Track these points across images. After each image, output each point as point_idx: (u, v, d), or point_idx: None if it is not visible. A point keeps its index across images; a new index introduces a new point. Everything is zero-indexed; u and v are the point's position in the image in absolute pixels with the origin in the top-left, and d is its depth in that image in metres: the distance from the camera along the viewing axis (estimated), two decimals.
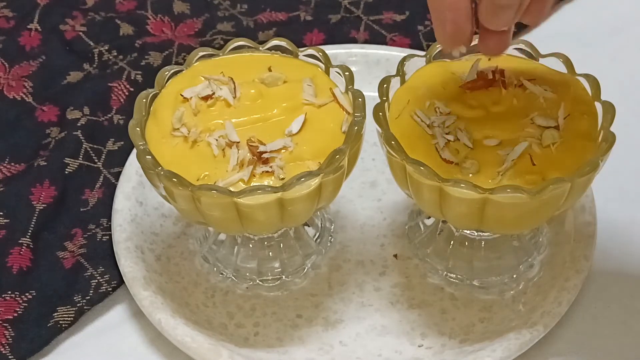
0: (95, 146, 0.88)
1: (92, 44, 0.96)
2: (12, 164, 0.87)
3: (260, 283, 0.79)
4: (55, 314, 0.77)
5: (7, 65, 0.95)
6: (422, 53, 0.76)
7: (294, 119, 0.71)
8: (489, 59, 0.74)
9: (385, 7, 1.00)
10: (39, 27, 0.97)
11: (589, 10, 1.00)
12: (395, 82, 0.74)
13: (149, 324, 0.76)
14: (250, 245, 0.79)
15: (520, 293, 0.78)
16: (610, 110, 0.71)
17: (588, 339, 0.76)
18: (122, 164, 0.85)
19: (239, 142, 0.70)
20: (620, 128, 0.70)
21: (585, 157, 0.69)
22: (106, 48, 0.96)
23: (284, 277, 0.79)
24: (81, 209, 0.84)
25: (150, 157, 0.70)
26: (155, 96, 0.74)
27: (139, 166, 0.72)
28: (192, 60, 0.76)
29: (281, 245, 0.79)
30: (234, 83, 0.73)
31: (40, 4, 0.99)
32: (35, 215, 0.83)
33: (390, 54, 0.92)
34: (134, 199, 0.82)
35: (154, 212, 0.83)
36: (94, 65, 0.95)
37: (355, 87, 0.73)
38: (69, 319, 0.77)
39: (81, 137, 0.88)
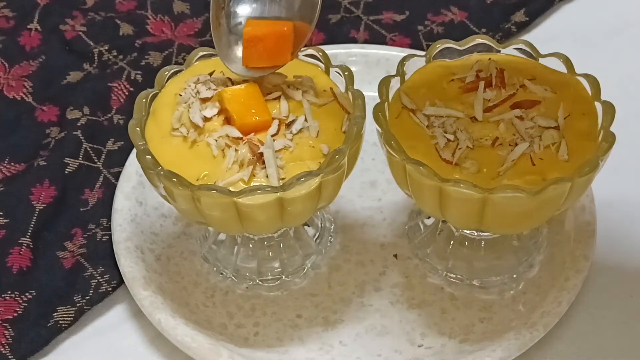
0: (95, 146, 0.88)
1: (92, 43, 0.96)
2: (12, 164, 0.87)
3: (260, 283, 0.79)
4: (55, 314, 0.77)
5: (7, 65, 0.95)
6: (422, 53, 0.76)
7: (294, 119, 0.71)
8: (489, 59, 0.74)
9: (385, 7, 1.00)
10: (39, 27, 0.97)
11: (589, 10, 1.00)
12: (395, 82, 0.74)
13: (149, 324, 0.76)
14: (250, 245, 0.79)
15: (520, 293, 0.78)
16: (610, 110, 0.71)
17: (588, 339, 0.76)
18: (122, 163, 0.85)
19: (242, 138, 0.70)
20: (620, 128, 0.70)
21: (585, 157, 0.69)
22: (106, 48, 0.96)
23: (284, 277, 0.79)
24: (81, 209, 0.84)
25: (150, 157, 0.70)
26: (155, 96, 0.74)
27: (139, 166, 0.72)
28: (192, 60, 0.76)
29: (281, 245, 0.79)
30: (232, 83, 0.73)
31: (40, 4, 0.99)
32: (35, 215, 0.83)
33: (390, 54, 0.92)
34: (134, 199, 0.82)
35: (154, 212, 0.83)
36: (94, 65, 0.95)
37: (355, 87, 0.73)
38: (69, 319, 0.77)
39: (81, 137, 0.88)
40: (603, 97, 0.72)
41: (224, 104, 0.70)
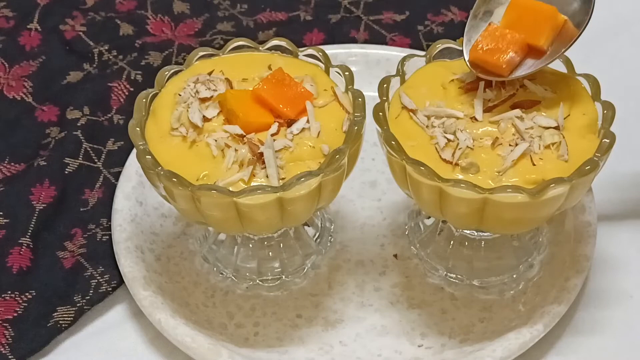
0: (95, 146, 0.88)
1: (92, 44, 0.96)
2: (12, 164, 0.87)
3: (260, 283, 0.79)
4: (55, 314, 0.77)
5: (7, 65, 0.95)
6: (422, 53, 0.76)
7: (295, 119, 0.71)
8: None
9: (385, 7, 1.00)
10: (39, 27, 0.97)
11: None
12: (395, 82, 0.74)
13: (149, 324, 0.76)
14: (250, 245, 0.79)
15: (520, 293, 0.78)
16: (610, 110, 0.71)
17: (588, 339, 0.76)
18: (122, 163, 0.85)
19: (243, 136, 0.70)
20: (620, 128, 0.70)
21: (585, 157, 0.69)
22: (106, 48, 0.96)
23: (283, 277, 0.79)
24: (81, 209, 0.84)
25: (150, 157, 0.70)
26: (155, 96, 0.74)
27: (139, 166, 0.72)
28: (192, 60, 0.76)
29: (281, 245, 0.79)
30: (230, 84, 0.73)
31: (40, 4, 0.99)
32: (35, 215, 0.83)
33: (390, 54, 0.92)
34: (134, 199, 0.82)
35: (154, 212, 0.83)
36: (94, 65, 0.95)
37: (355, 87, 0.73)
38: (69, 319, 0.77)
39: (81, 137, 0.88)
40: (603, 97, 0.72)
41: (228, 104, 0.70)
